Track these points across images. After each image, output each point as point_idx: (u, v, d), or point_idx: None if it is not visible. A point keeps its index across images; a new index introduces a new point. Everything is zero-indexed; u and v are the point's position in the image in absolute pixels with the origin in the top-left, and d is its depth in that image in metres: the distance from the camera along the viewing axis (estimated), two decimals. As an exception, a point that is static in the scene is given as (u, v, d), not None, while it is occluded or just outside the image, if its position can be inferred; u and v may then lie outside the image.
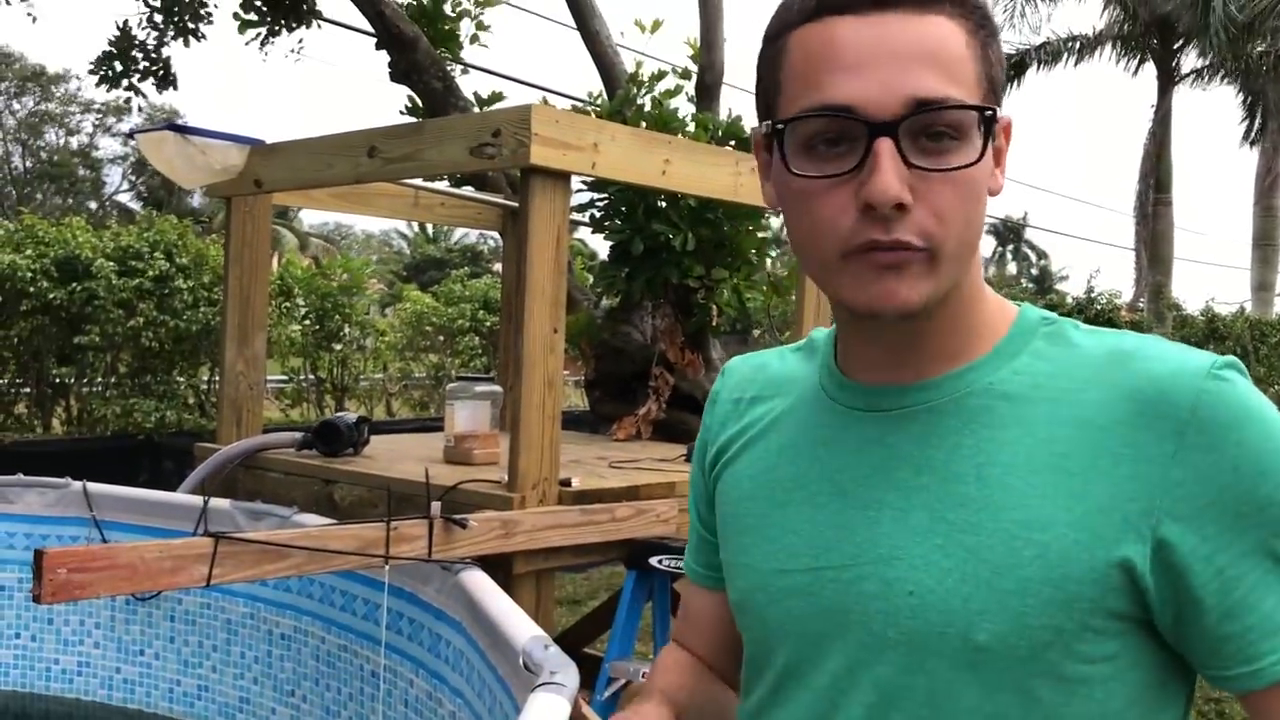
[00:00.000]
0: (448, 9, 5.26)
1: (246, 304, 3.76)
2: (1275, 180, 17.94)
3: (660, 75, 4.36)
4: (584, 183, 4.25)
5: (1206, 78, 19.49)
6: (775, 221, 4.55)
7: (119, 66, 5.75)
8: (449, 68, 5.05)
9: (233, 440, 3.65)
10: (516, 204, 3.93)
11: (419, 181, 4.35)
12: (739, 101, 31.82)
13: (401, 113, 5.23)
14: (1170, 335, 13.94)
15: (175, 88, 6.03)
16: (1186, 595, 0.81)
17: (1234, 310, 14.79)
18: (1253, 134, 19.80)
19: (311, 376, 10.39)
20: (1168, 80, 19.40)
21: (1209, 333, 13.40)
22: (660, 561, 2.91)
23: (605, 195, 4.23)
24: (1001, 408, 0.88)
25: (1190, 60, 19.35)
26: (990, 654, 0.83)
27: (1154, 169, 19.40)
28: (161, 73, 5.89)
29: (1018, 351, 0.91)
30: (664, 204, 4.13)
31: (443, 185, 4.77)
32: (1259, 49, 17.99)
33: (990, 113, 0.84)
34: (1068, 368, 0.88)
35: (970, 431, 0.88)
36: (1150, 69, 19.61)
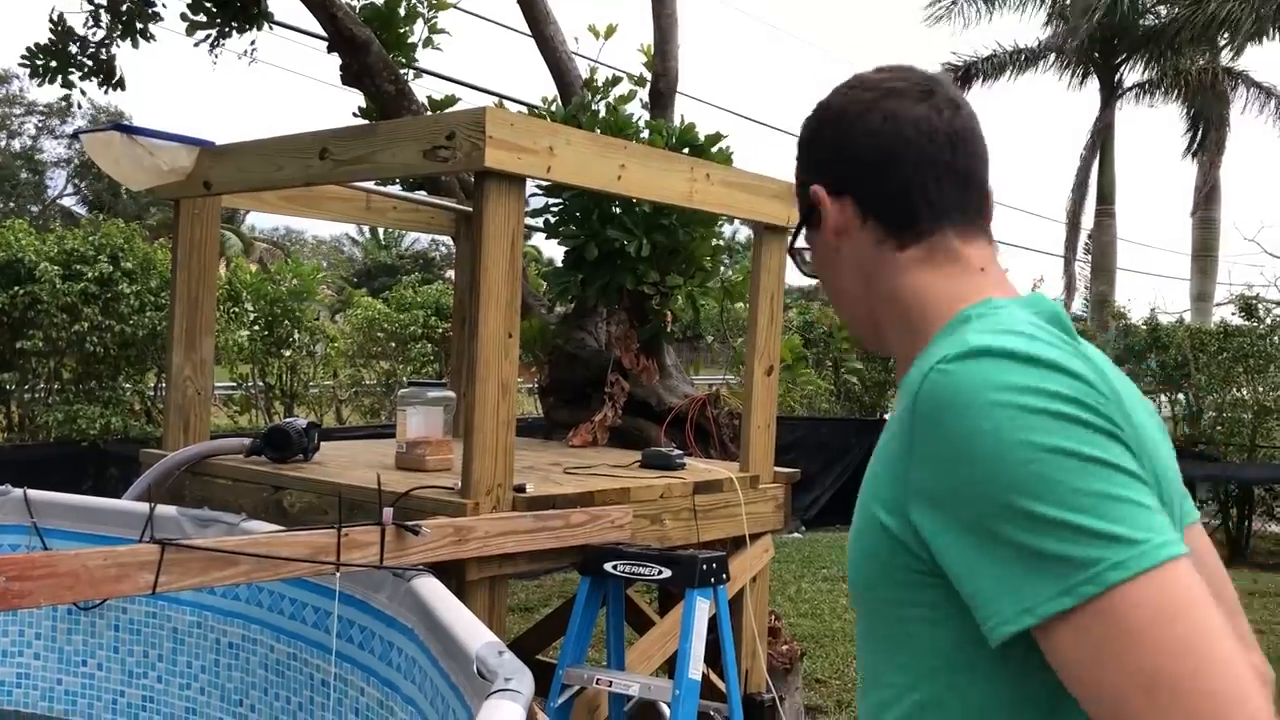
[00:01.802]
0: (401, 10, 5.21)
1: (194, 308, 3.70)
2: (1212, 192, 18.35)
3: (615, 81, 4.36)
4: (538, 187, 4.23)
5: (1149, 92, 19.89)
6: (728, 228, 4.57)
7: (54, 63, 5.60)
8: (402, 72, 5.01)
9: (180, 446, 3.59)
10: (470, 208, 3.91)
11: (371, 185, 4.31)
12: (692, 110, 31.96)
13: (354, 116, 5.18)
14: (1115, 343, 14.18)
15: (123, 88, 5.90)
16: (940, 565, 0.95)
17: (1174, 320, 15.07)
18: (1194, 147, 20.24)
19: (260, 383, 10.24)
20: (1110, 94, 19.78)
21: (1152, 341, 13.64)
22: (615, 567, 2.90)
23: (560, 200, 4.22)
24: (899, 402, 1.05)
25: (1135, 74, 19.75)
26: (854, 593, 1.11)
27: (1086, 180, 19.76)
28: (106, 72, 5.76)
29: (924, 351, 1.06)
30: (619, 210, 4.13)
31: (395, 189, 4.73)
32: (1199, 64, 18.41)
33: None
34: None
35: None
36: (1094, 83, 19.98)
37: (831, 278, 1.20)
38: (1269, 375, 13.04)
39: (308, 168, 3.15)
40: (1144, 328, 13.96)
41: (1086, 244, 21.02)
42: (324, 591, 2.80)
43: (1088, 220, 20.12)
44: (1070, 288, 21.78)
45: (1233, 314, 14.03)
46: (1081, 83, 20.33)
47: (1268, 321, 13.38)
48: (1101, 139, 19.62)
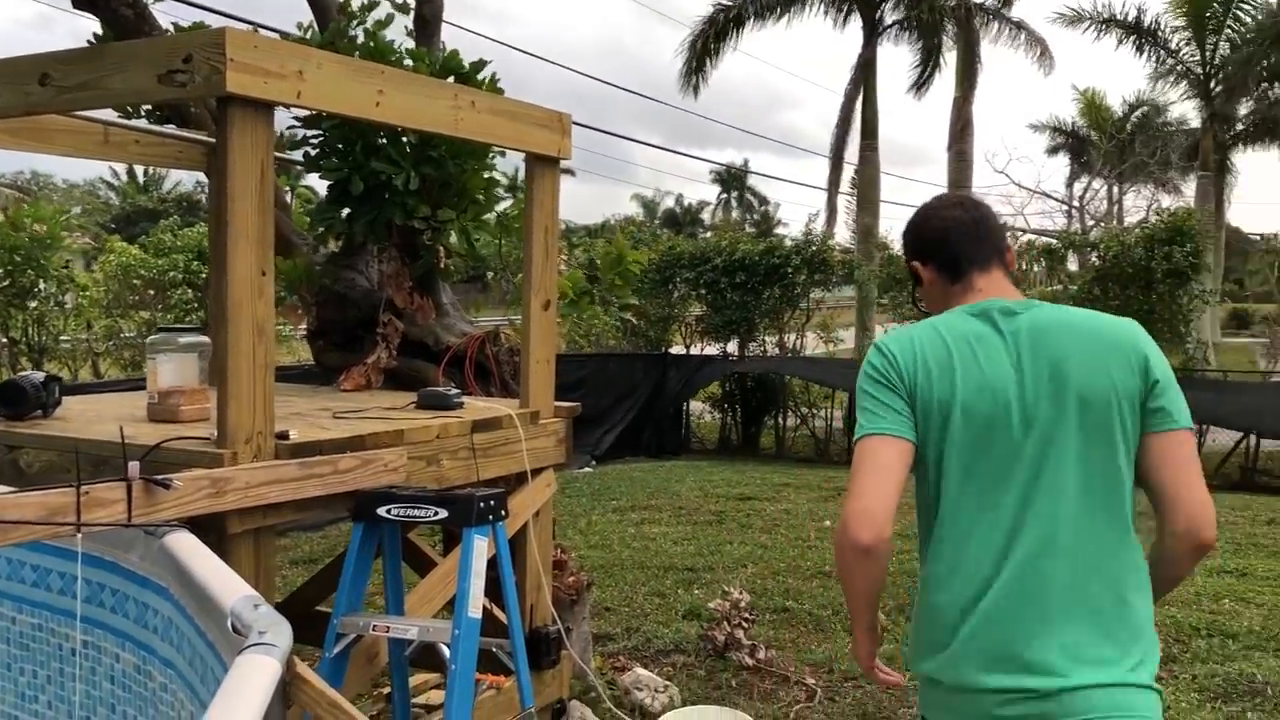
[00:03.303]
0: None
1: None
2: (965, 128, 19.44)
3: (373, 4, 4.15)
4: (295, 118, 4.01)
5: (908, 29, 20.80)
6: (502, 162, 4.46)
7: None
8: (141, -7, 4.60)
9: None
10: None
11: (109, 115, 3.96)
12: (458, 38, 30.98)
13: (89, 43, 4.74)
14: (878, 274, 14.89)
15: None
16: None
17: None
18: (923, 83, 21.37)
19: (3, 339, 9.43)
20: (872, 31, 20.56)
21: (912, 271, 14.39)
22: (388, 511, 2.81)
23: (320, 131, 4.01)
24: None
25: (896, 13, 20.59)
26: None
27: (849, 116, 20.59)
28: None
29: None
30: (384, 140, 3.96)
31: (141, 123, 4.37)
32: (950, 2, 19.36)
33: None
34: None
35: None
36: (856, 21, 20.71)
37: (930, 303, 2.24)
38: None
39: (27, 95, 2.84)
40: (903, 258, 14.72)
41: (853, 179, 21.93)
42: (69, 555, 2.59)
43: (853, 156, 20.98)
44: (832, 220, 22.76)
45: (984, 241, 14.97)
46: (845, 21, 21.05)
47: (1016, 249, 14.32)
48: (864, 76, 20.40)
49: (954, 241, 2.17)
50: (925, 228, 2.23)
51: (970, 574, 1.97)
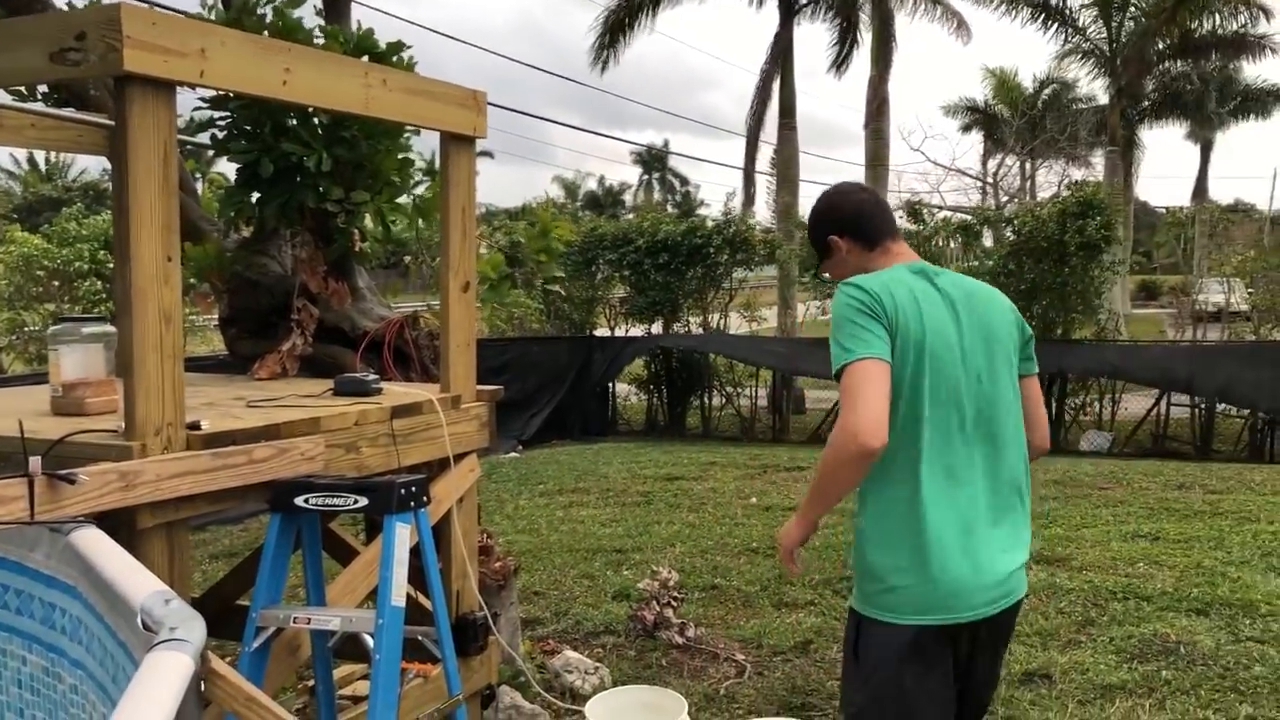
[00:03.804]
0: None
1: None
2: (882, 106, 19.62)
3: (280, -18, 4.02)
4: (201, 99, 3.88)
5: (824, 8, 20.93)
6: (417, 141, 4.38)
7: None
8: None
9: None
10: (121, 123, 3.51)
11: (2, 99, 3.80)
12: (369, 19, 30.54)
13: (-22, 22, 4.53)
14: (799, 252, 15.02)
15: None
16: None
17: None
18: (842, 61, 21.56)
19: (-103, 334, 9.06)
20: (788, 10, 20.65)
21: (834, 247, 14.50)
22: (306, 500, 2.74)
23: (227, 113, 3.89)
24: None
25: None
26: None
27: (766, 95, 20.67)
28: None
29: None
30: (294, 121, 3.85)
31: (38, 106, 4.19)
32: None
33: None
34: None
35: None
36: (773, 1, 20.78)
37: (838, 271, 2.68)
38: (934, 274, 14.15)
39: (-93, 76, 2.71)
40: (826, 235, 14.82)
41: (772, 159, 22.03)
42: (-31, 557, 2.48)
43: (772, 135, 21.07)
44: (750, 199, 22.86)
45: (901, 218, 15.18)
46: (761, 2, 21.10)
47: (931, 225, 14.54)
48: (781, 55, 20.48)
49: (869, 215, 2.67)
50: (843, 205, 2.71)
51: (963, 481, 2.46)
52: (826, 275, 2.79)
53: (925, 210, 14.99)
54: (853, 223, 2.64)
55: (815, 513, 2.55)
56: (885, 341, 2.35)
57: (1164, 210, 43.47)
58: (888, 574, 2.44)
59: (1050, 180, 31.81)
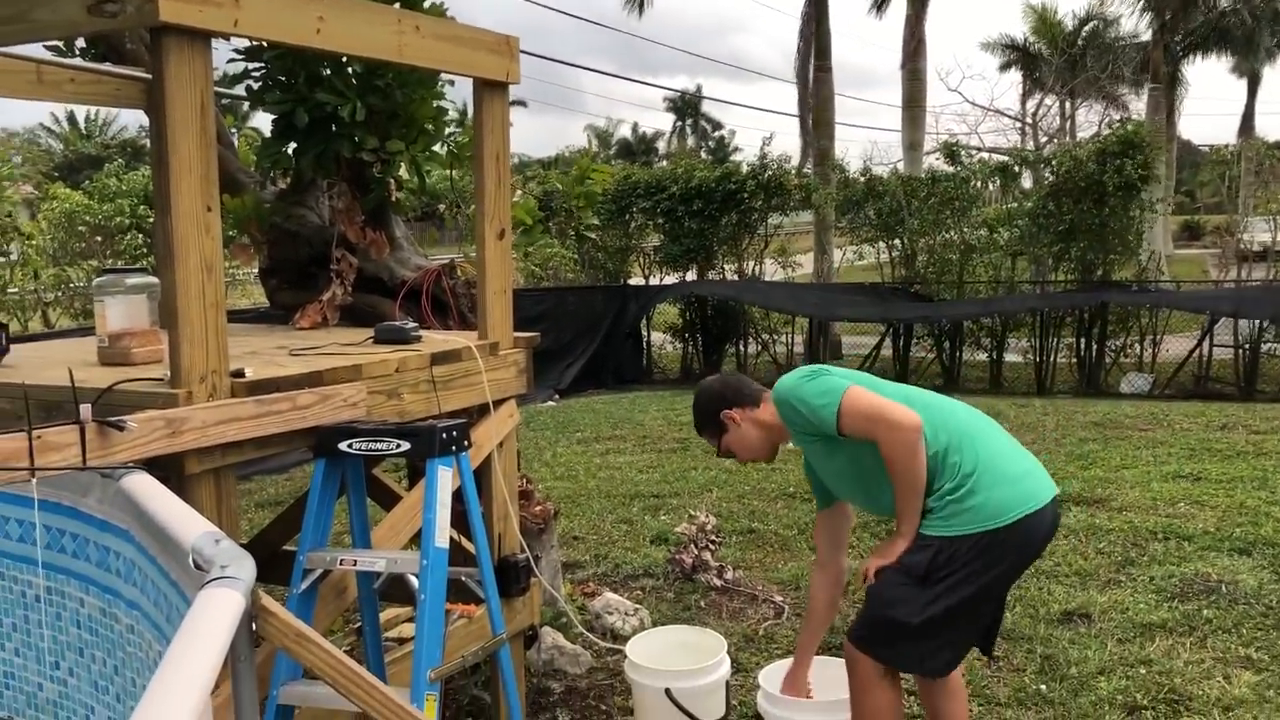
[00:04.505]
0: None
1: None
2: (919, 46, 19.29)
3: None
4: (235, 51, 3.90)
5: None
6: (452, 91, 4.37)
7: None
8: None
9: None
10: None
11: (40, 52, 3.83)
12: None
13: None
14: (835, 196, 14.87)
15: None
16: None
17: (889, 169, 15.90)
18: (883, 2, 21.18)
19: (-54, 292, 9.23)
20: (826, -50, 20.25)
21: (868, 191, 14.36)
22: (350, 445, 2.79)
23: (262, 63, 3.90)
24: None
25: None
26: None
27: (811, 38, 20.38)
28: None
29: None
30: (328, 71, 3.86)
31: (76, 61, 4.22)
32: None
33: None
34: None
35: None
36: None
37: (741, 437, 3.24)
38: (971, 215, 14.01)
39: (-52, 31, 2.73)
40: (861, 179, 14.66)
41: (810, 100, 21.75)
42: (25, 502, 2.55)
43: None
44: (807, 150, 22.59)
45: (938, 160, 14.98)
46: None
47: (968, 166, 14.32)
48: (818, -4, 20.14)
49: (734, 384, 3.34)
50: (715, 388, 3.35)
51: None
52: (734, 457, 3.31)
53: (963, 151, 14.77)
54: (734, 394, 3.24)
55: (917, 512, 2.88)
56: (847, 379, 2.95)
57: (1208, 148, 42.55)
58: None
59: (1090, 120, 31.23)
